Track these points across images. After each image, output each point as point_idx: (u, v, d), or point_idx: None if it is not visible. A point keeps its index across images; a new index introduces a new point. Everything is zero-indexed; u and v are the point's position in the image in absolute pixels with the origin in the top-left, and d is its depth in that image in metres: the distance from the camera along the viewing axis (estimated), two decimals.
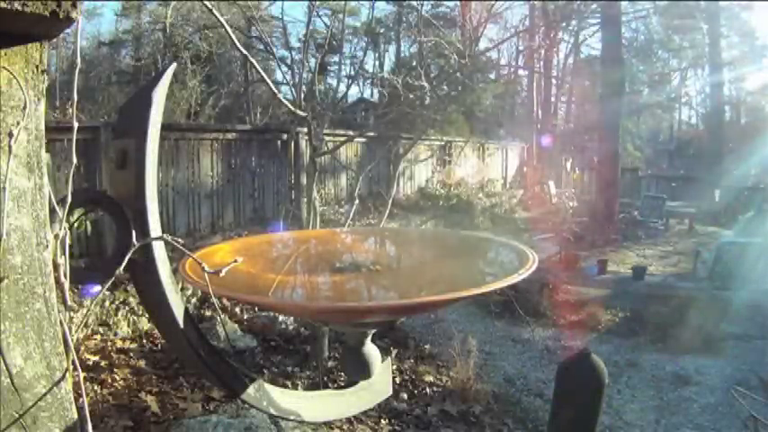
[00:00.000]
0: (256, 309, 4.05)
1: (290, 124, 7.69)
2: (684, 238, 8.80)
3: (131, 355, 3.31)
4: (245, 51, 3.56)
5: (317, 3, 4.84)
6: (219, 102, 13.30)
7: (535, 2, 15.62)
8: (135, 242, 1.07)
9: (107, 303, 3.67)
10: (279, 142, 7.37)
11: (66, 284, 0.87)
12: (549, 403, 2.78)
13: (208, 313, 4.04)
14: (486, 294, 2.99)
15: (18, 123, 0.78)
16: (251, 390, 1.33)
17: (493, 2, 15.83)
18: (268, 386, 1.39)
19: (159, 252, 1.16)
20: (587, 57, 20.04)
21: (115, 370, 3.05)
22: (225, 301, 4.01)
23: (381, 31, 18.75)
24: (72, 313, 3.16)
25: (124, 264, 0.99)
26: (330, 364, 3.46)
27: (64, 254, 0.88)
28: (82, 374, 0.87)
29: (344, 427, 2.81)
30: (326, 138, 5.58)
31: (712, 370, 3.86)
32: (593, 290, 5.58)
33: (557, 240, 7.38)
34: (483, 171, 12.76)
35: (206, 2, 3.22)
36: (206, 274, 0.93)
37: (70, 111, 1.45)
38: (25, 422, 0.78)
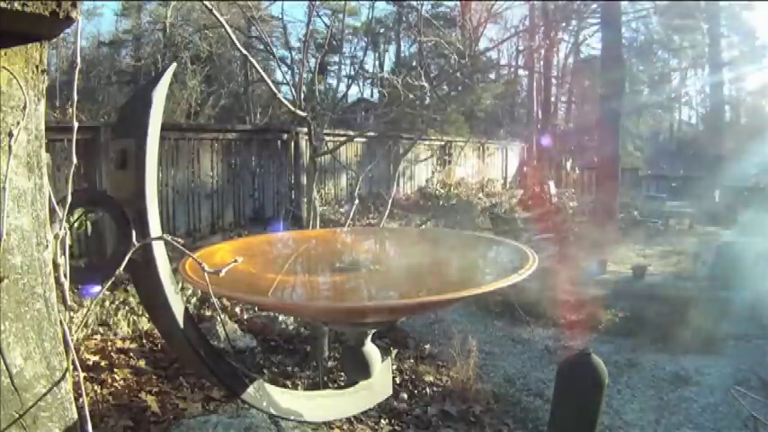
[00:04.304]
0: (256, 309, 4.05)
1: (290, 124, 7.70)
2: (684, 238, 8.78)
3: (131, 355, 3.31)
4: (245, 51, 3.56)
5: (317, 3, 4.84)
6: (219, 102, 13.32)
7: (535, 2, 15.64)
8: (135, 242, 1.07)
9: (107, 303, 3.68)
10: (279, 142, 7.37)
11: (66, 284, 0.87)
12: (549, 403, 2.78)
13: (208, 313, 4.04)
14: (486, 294, 2.99)
15: (18, 123, 0.78)
16: (251, 390, 1.33)
17: (493, 2, 15.86)
18: (268, 386, 1.39)
19: (159, 252, 1.16)
20: (587, 57, 20.02)
21: (115, 370, 3.05)
22: (225, 301, 4.00)
23: (381, 31, 18.79)
24: (72, 313, 3.16)
25: (124, 264, 0.99)
26: (330, 364, 3.46)
27: (64, 254, 0.88)
28: (82, 374, 0.87)
29: (344, 427, 2.81)
30: (326, 138, 5.58)
31: (712, 370, 3.86)
32: (593, 290, 5.57)
33: (557, 240, 7.37)
34: (483, 171, 12.76)
35: (206, 2, 3.22)
36: (206, 274, 0.93)
37: (70, 111, 1.45)
38: (25, 422, 0.78)
